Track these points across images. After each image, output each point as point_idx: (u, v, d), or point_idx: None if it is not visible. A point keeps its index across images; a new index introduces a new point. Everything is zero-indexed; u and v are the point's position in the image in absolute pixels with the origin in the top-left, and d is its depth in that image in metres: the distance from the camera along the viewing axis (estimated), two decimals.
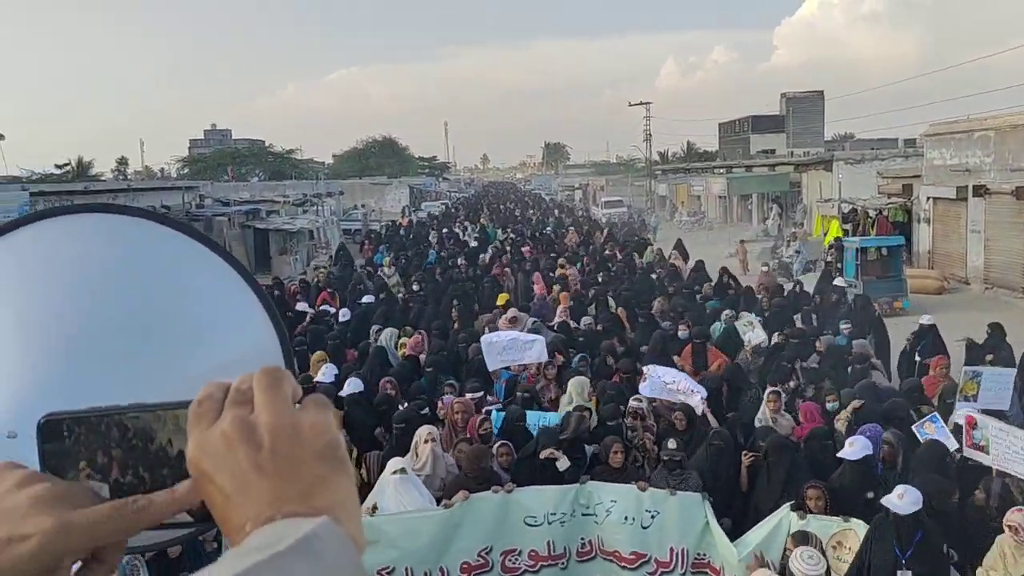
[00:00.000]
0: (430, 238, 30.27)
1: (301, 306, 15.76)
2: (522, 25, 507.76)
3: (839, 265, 20.45)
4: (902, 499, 5.31)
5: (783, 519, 5.89)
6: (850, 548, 5.57)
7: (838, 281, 16.27)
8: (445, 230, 33.50)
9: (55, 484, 0.72)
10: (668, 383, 8.05)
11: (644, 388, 8.19)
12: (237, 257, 1.17)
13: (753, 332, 11.59)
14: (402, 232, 33.91)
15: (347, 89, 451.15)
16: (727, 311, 12.80)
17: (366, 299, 15.82)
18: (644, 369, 8.54)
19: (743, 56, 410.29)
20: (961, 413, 7.26)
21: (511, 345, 9.49)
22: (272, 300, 1.18)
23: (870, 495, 6.01)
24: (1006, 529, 5.31)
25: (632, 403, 7.89)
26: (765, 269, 18.90)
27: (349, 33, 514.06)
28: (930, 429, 7.11)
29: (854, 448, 6.41)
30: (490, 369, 9.56)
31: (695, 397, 7.93)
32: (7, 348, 1.02)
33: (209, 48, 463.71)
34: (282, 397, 0.68)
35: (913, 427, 7.24)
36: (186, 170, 73.48)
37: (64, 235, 1.11)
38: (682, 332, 11.41)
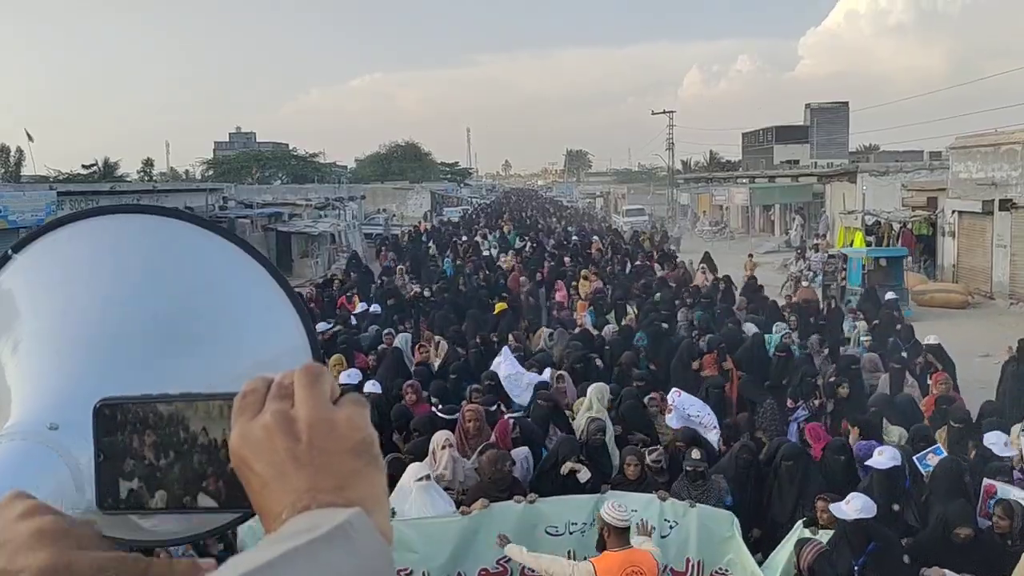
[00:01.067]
0: (440, 249, 28.56)
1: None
2: (548, 33, 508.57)
3: (842, 276, 20.88)
4: (849, 505, 5.30)
5: (799, 535, 5.86)
6: None
7: (889, 295, 15.66)
8: (465, 238, 32.86)
9: (61, 519, 0.71)
10: (692, 415, 8.06)
11: (670, 419, 8.27)
12: None
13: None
14: (423, 238, 33.57)
15: (371, 94, 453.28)
16: (778, 324, 12.67)
17: (374, 308, 15.74)
18: (669, 399, 8.46)
19: (768, 66, 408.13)
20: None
21: (515, 379, 9.35)
22: (303, 302, 1.20)
23: (896, 507, 5.97)
24: None
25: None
26: (806, 284, 18.48)
27: (374, 38, 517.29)
28: (932, 461, 7.00)
29: (883, 457, 6.28)
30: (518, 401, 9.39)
31: (712, 433, 7.95)
32: (50, 344, 1.04)
33: (234, 51, 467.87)
34: (321, 394, 0.70)
35: (914, 458, 7.04)
36: (211, 172, 74.05)
37: (104, 234, 1.14)
38: (703, 344, 11.38)
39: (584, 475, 6.66)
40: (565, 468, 6.68)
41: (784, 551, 5.86)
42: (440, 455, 6.87)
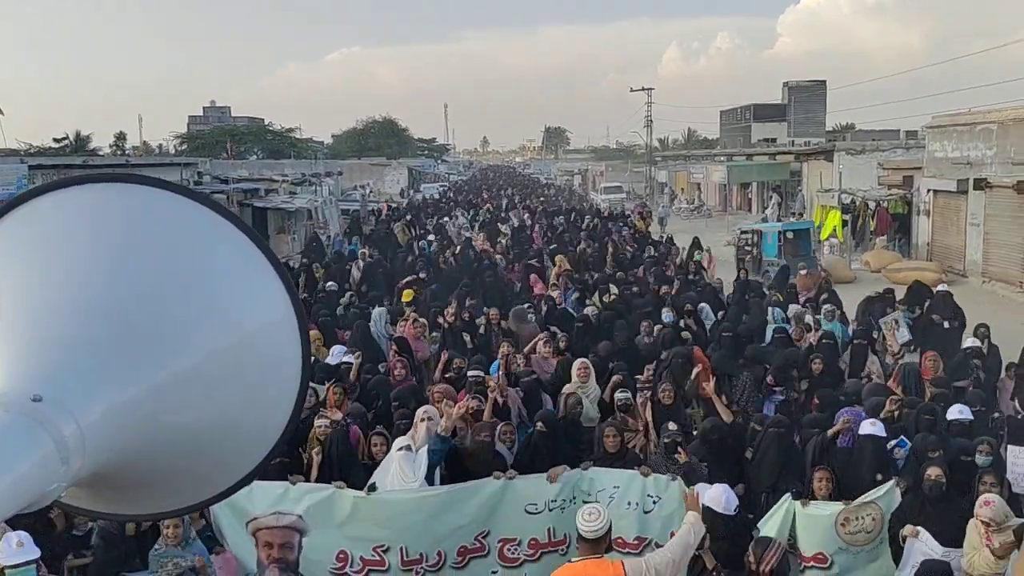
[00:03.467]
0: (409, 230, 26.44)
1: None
2: (528, 9, 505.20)
3: (757, 249, 22.86)
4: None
5: (787, 509, 5.91)
6: (859, 523, 5.62)
7: (940, 287, 13.54)
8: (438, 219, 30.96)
9: None
10: None
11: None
12: None
13: (899, 331, 11.06)
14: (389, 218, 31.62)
15: (348, 69, 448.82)
16: (827, 306, 11.98)
17: (330, 285, 15.43)
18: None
19: (746, 44, 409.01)
20: None
21: None
22: (289, 273, 1.18)
23: (879, 476, 6.10)
24: (977, 522, 5.32)
25: (617, 395, 7.89)
26: (804, 272, 17.32)
27: (352, 12, 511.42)
28: (899, 455, 7.06)
29: (876, 428, 6.68)
30: None
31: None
32: (31, 314, 1.02)
33: (209, 24, 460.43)
34: None
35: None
36: (184, 146, 73.13)
37: (84, 204, 1.11)
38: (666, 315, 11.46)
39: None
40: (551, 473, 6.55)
41: (772, 522, 5.92)
42: (420, 428, 6.86)
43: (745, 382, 9.06)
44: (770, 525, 5.90)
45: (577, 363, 8.65)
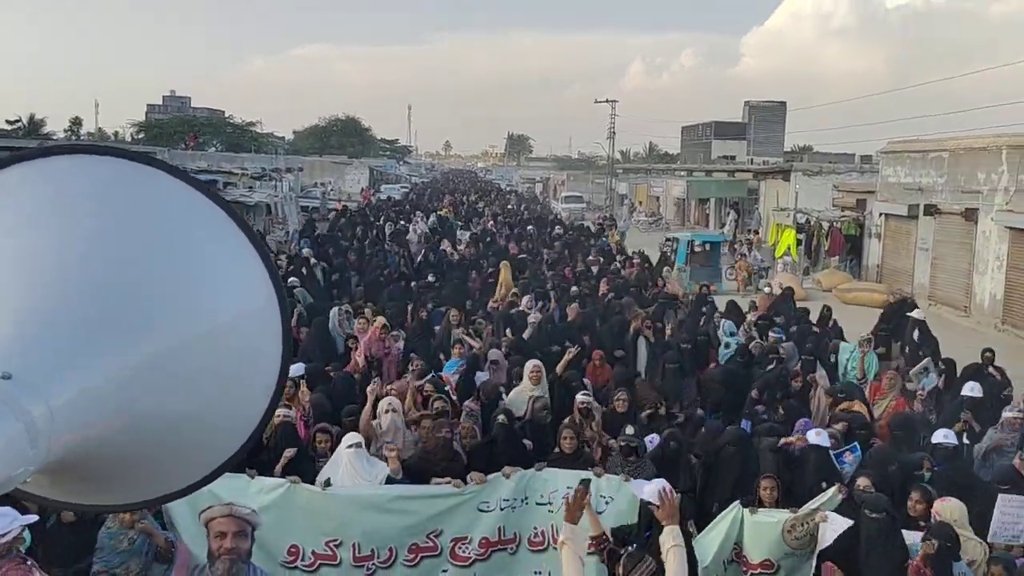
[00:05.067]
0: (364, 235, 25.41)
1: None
2: (495, 16, 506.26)
3: (674, 256, 24.85)
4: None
5: (735, 516, 6.02)
6: (804, 528, 5.77)
7: (916, 314, 13.52)
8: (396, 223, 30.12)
9: None
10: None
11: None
12: None
13: (928, 377, 10.64)
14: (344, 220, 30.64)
15: (313, 65, 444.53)
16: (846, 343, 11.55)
17: (292, 280, 15.29)
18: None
19: (710, 61, 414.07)
20: None
21: None
22: (272, 258, 1.15)
23: (824, 485, 6.22)
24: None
25: (579, 398, 7.98)
26: (768, 291, 17.06)
27: (318, 9, 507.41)
28: (849, 459, 7.27)
29: (820, 438, 6.93)
30: None
31: None
32: (2, 290, 0.95)
33: (172, 11, 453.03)
34: None
35: (833, 454, 7.24)
36: (142, 135, 71.94)
37: (61, 176, 1.05)
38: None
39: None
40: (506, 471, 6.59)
41: (718, 528, 6.02)
42: (384, 419, 6.87)
43: (670, 371, 9.25)
44: (716, 531, 6.01)
45: (530, 365, 8.69)
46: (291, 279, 15.51)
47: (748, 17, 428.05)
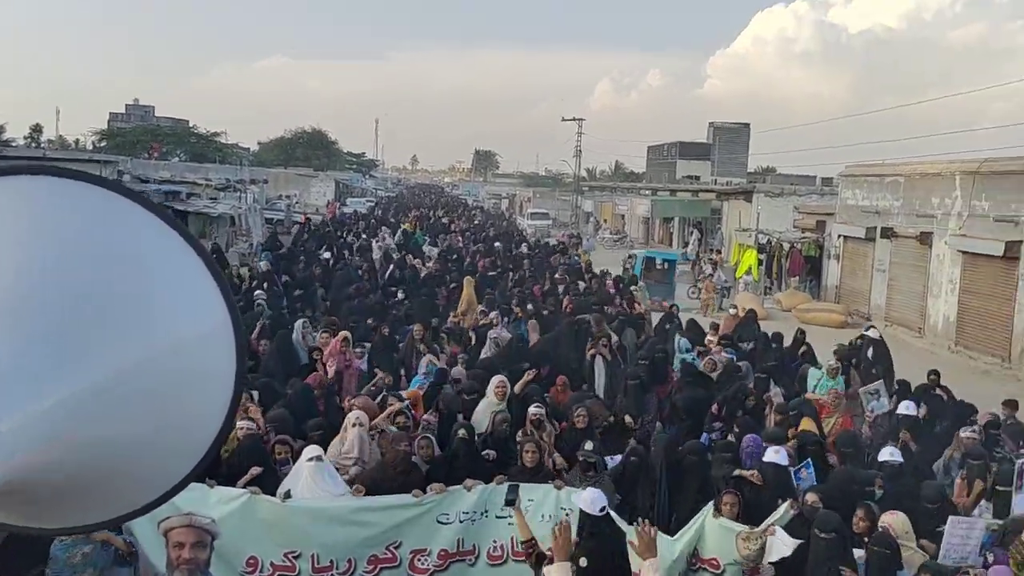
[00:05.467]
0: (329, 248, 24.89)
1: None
2: (467, 31, 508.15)
3: (633, 272, 25.56)
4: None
5: (705, 519, 6.21)
6: (758, 542, 5.90)
7: (871, 333, 14.06)
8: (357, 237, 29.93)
9: None
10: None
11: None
12: None
13: (877, 401, 10.73)
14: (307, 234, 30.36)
15: (280, 77, 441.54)
16: (817, 367, 11.58)
17: (258, 294, 15.21)
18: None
19: (677, 82, 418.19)
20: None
21: None
22: (228, 281, 1.13)
23: (780, 502, 6.36)
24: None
25: (532, 410, 8.08)
26: (732, 311, 17.03)
27: (286, 21, 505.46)
28: (804, 475, 7.44)
29: (779, 456, 7.02)
30: None
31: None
32: None
33: (137, 18, 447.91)
34: None
35: (792, 470, 7.41)
36: (104, 143, 70.99)
37: (12, 198, 1.00)
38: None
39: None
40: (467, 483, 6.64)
41: (691, 530, 6.21)
42: (350, 433, 6.89)
43: (653, 407, 9.37)
44: (685, 540, 6.20)
45: (495, 380, 8.77)
46: (257, 292, 15.47)
47: (714, 40, 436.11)
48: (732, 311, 17.16)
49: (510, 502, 5.40)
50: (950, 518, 6.42)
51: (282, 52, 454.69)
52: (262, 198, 45.96)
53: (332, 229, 32.91)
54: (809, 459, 7.75)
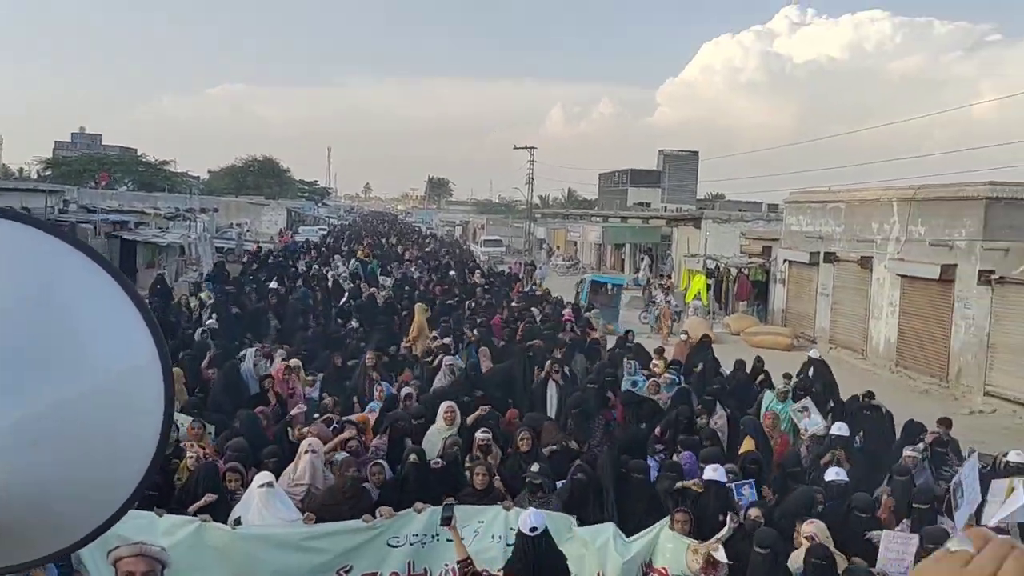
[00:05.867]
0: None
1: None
2: (417, 61, 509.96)
3: (584, 292, 26.67)
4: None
5: (661, 531, 6.47)
6: (703, 555, 6.16)
7: (812, 353, 14.83)
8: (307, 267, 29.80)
9: None
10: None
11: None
12: None
13: (809, 419, 10.77)
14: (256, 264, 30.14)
15: (230, 105, 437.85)
16: (773, 392, 11.78)
17: (210, 323, 15.24)
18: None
19: (627, 111, 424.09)
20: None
21: None
22: (153, 314, 1.11)
23: (721, 517, 6.62)
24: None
25: (479, 435, 8.22)
26: (684, 338, 17.05)
27: (235, 48, 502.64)
28: (747, 492, 7.71)
29: (717, 473, 7.34)
30: None
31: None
32: None
33: (83, 44, 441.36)
34: None
35: (733, 485, 7.66)
36: (49, 172, 69.82)
37: None
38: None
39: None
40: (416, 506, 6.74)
41: (644, 538, 6.45)
42: (302, 460, 6.95)
43: (599, 431, 9.58)
44: (641, 543, 6.42)
45: (444, 406, 8.90)
46: (208, 321, 15.43)
47: (663, 69, 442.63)
48: (683, 337, 17.39)
49: (446, 520, 5.56)
50: (884, 532, 6.72)
51: (232, 80, 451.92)
52: (212, 227, 45.59)
53: (284, 258, 32.77)
54: (752, 478, 8.03)
